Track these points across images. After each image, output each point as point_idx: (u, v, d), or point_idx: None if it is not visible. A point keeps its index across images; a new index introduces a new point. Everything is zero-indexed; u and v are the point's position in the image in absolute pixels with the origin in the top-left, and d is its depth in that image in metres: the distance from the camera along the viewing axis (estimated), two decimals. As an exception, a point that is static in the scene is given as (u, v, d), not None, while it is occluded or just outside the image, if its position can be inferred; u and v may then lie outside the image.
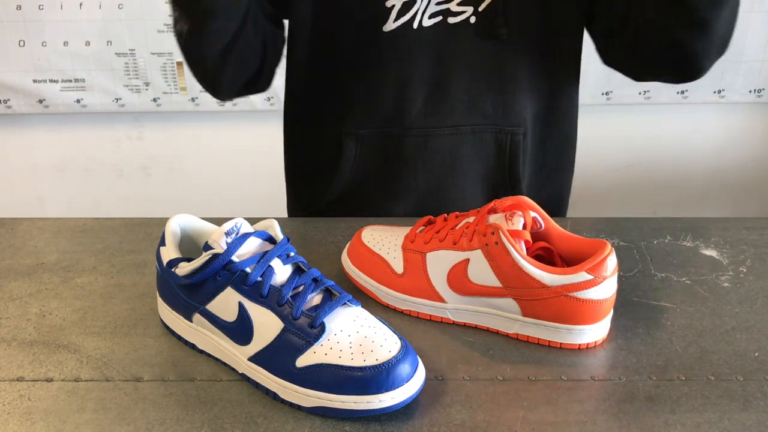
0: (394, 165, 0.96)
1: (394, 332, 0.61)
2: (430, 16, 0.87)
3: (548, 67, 0.94)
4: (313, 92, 0.97)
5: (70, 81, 1.92)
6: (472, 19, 0.87)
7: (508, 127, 0.88)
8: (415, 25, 0.87)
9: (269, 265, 0.62)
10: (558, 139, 1.00)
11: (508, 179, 0.97)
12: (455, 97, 0.92)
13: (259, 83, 0.93)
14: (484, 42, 0.89)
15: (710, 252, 0.85)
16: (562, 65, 0.95)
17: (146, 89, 1.94)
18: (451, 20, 0.87)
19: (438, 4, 0.86)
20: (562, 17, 0.90)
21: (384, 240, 0.76)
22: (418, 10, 0.86)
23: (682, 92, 1.99)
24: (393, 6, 0.86)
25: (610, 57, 0.93)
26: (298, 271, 0.64)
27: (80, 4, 1.83)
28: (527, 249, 0.67)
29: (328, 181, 1.00)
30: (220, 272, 0.62)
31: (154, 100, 1.96)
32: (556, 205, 1.06)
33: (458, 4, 0.86)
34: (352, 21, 0.89)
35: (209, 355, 0.65)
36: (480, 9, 0.86)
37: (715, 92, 1.98)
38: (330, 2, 0.90)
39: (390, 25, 0.87)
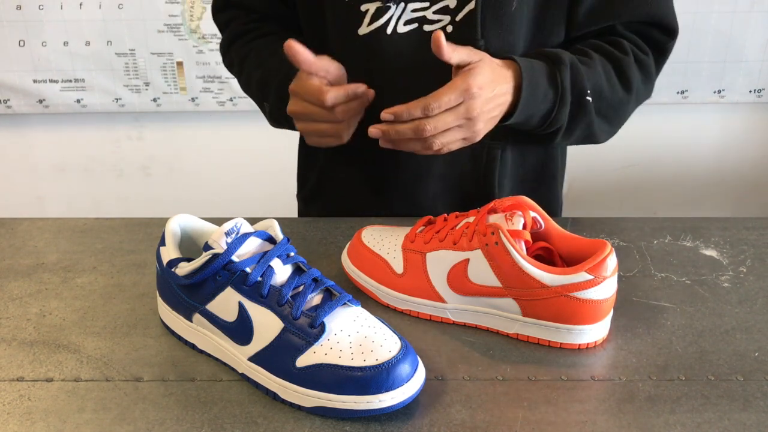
0: (365, 168, 0.97)
1: (394, 332, 0.61)
2: (406, 23, 0.86)
3: None
4: None
5: (70, 81, 1.92)
6: (449, 29, 0.85)
7: (485, 139, 0.87)
8: (389, 30, 0.86)
9: (269, 265, 0.62)
10: (538, 153, 0.99)
11: (482, 190, 0.96)
12: None
13: None
14: None
15: (710, 252, 0.85)
16: None
17: (146, 89, 1.94)
18: (427, 28, 0.86)
19: (414, 11, 0.85)
20: (540, 30, 0.89)
21: (384, 240, 0.76)
22: (392, 16, 0.85)
23: (682, 92, 1.99)
24: (367, 10, 0.86)
25: None
26: (298, 271, 0.64)
27: (80, 4, 1.83)
28: (527, 249, 0.67)
29: (302, 177, 1.06)
30: (220, 272, 0.62)
31: (154, 100, 1.96)
32: None
33: (435, 13, 0.85)
34: (332, 22, 0.89)
35: (209, 355, 0.65)
36: (457, 18, 0.85)
37: (715, 92, 1.98)
38: (312, 2, 0.90)
39: (364, 29, 0.87)
